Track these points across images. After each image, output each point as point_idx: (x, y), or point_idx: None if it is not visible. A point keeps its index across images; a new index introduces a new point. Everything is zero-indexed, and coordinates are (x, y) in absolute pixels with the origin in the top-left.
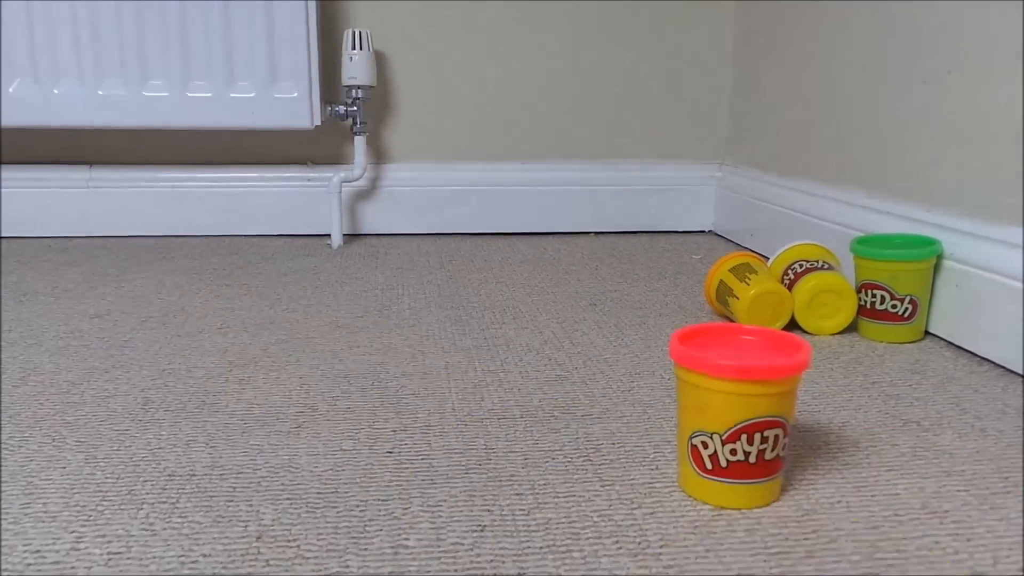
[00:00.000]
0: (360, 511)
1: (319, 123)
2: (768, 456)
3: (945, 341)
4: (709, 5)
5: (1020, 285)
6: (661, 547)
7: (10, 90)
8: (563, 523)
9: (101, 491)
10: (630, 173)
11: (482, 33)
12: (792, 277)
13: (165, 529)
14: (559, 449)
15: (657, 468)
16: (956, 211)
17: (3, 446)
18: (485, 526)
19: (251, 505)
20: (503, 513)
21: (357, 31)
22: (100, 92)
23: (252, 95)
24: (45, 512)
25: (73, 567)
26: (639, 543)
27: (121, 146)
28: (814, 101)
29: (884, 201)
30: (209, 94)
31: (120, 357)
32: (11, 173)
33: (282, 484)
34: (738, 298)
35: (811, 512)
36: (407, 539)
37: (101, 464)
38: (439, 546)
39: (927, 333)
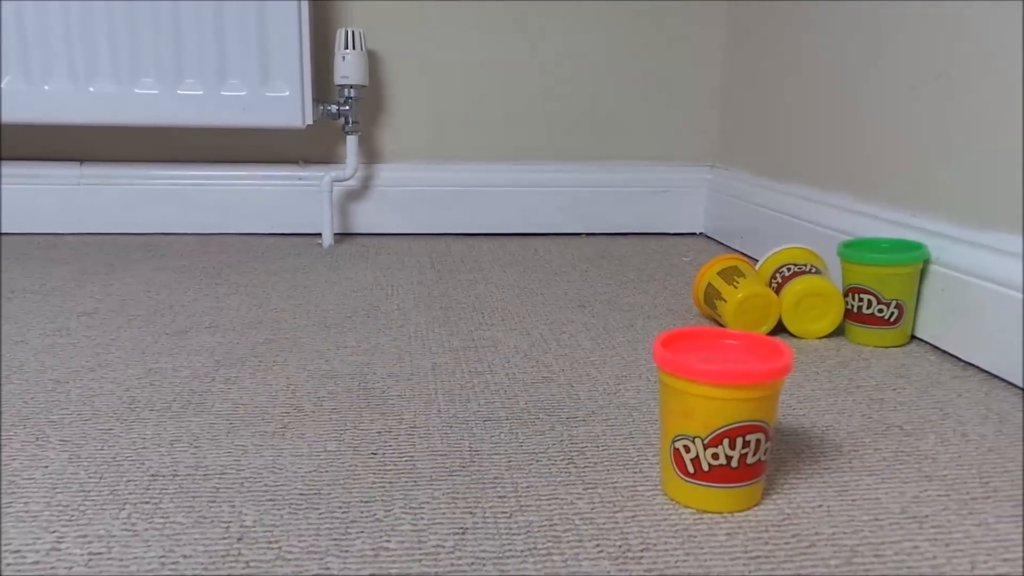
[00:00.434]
0: (342, 513)
1: (311, 122)
2: (750, 460)
3: (930, 345)
4: (701, 8)
5: (1005, 290)
6: (642, 551)
7: (1, 86)
8: (545, 526)
9: (84, 491)
10: (621, 175)
11: (475, 34)
12: (780, 281)
13: (147, 530)
14: (543, 451)
15: (640, 471)
16: (943, 216)
17: None
18: (467, 529)
19: (233, 506)
20: (485, 516)
21: (350, 30)
22: (91, 89)
23: (243, 93)
24: (26, 512)
25: (53, 567)
26: (620, 547)
27: (112, 143)
28: (805, 105)
29: (872, 205)
30: (200, 92)
31: (106, 356)
32: (2, 169)
33: (265, 485)
34: (726, 301)
35: (792, 516)
36: (388, 541)
37: (84, 463)
38: (420, 548)
39: (913, 337)
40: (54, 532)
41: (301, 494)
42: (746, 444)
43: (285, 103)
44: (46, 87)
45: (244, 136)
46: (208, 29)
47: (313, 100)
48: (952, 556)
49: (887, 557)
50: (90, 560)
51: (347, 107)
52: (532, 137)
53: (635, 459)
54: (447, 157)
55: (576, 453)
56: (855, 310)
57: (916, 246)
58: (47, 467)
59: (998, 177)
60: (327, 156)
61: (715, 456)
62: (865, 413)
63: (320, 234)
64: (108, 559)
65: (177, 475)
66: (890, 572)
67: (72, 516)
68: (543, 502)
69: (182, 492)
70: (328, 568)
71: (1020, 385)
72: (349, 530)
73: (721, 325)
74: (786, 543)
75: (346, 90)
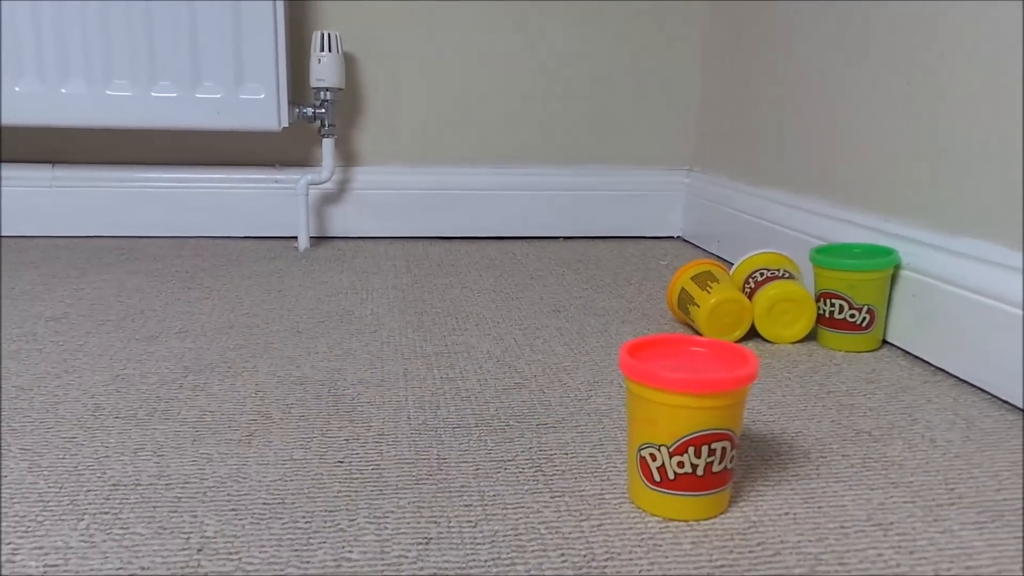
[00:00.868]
0: (306, 523)
1: (286, 125)
2: (716, 468)
3: (902, 351)
4: (680, 13)
5: (974, 296)
6: (606, 560)
7: None
8: (510, 535)
9: (43, 501)
10: (600, 178)
11: (453, 37)
12: (753, 286)
13: (105, 541)
14: (511, 459)
15: (608, 479)
16: (914, 221)
17: None
18: (431, 538)
19: (195, 516)
20: (450, 525)
21: (326, 33)
22: (63, 91)
23: (218, 96)
24: None
25: None
26: (584, 556)
27: (85, 145)
28: (781, 110)
29: (846, 211)
30: (174, 94)
31: (73, 362)
32: None
33: (228, 495)
34: (699, 306)
35: (757, 524)
36: (351, 552)
37: (44, 473)
38: (383, 559)
39: (885, 342)
40: (10, 544)
41: (265, 503)
42: (712, 452)
43: (260, 105)
44: (17, 88)
45: (219, 139)
46: (182, 30)
47: (289, 103)
48: (916, 564)
49: (851, 565)
50: (45, 572)
51: (323, 110)
52: (510, 141)
53: (603, 466)
54: (424, 160)
55: (544, 461)
56: (827, 315)
57: (887, 252)
58: (6, 476)
59: (969, 183)
60: (303, 159)
61: (681, 464)
62: (834, 419)
63: (296, 237)
64: (64, 571)
65: (139, 484)
66: None
67: (29, 527)
68: (509, 511)
69: (143, 502)
70: None
71: (988, 391)
72: (311, 540)
73: (695, 330)
74: (751, 551)
75: (322, 93)
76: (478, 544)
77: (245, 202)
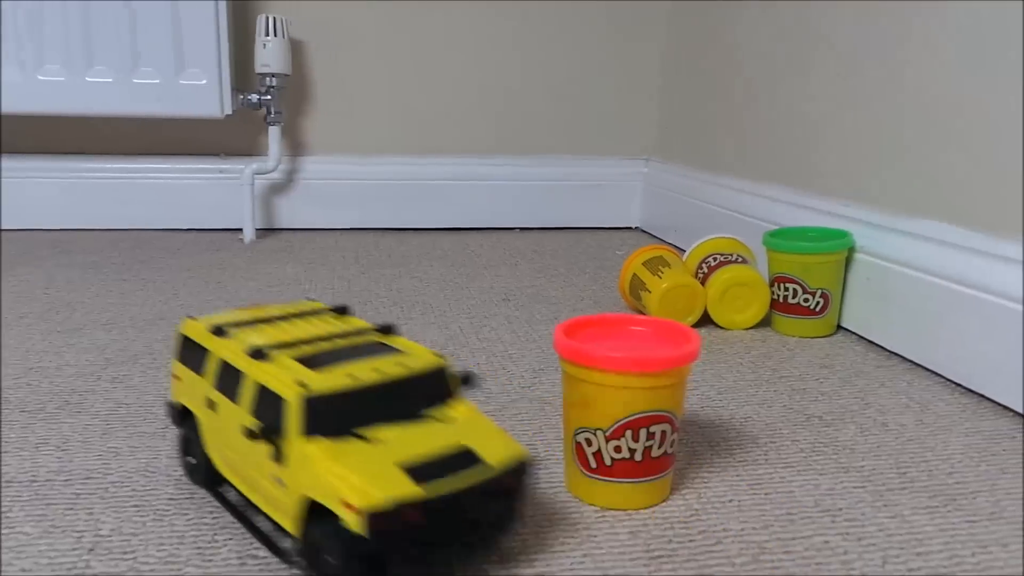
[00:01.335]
0: (213, 519)
1: (230, 112)
2: (655, 453)
3: (856, 335)
4: (641, 4)
5: (926, 277)
6: (536, 553)
7: None
8: None
9: None
10: (558, 168)
11: (405, 24)
12: (706, 271)
13: None
14: None
15: (546, 468)
16: (869, 204)
17: None
18: None
19: (91, 514)
20: None
21: (271, 17)
22: None
23: (157, 81)
24: None
25: None
26: (514, 548)
27: (18, 134)
28: (738, 97)
29: (803, 195)
30: (110, 79)
31: None
32: None
33: (133, 490)
34: (650, 292)
35: (700, 512)
36: (258, 549)
37: None
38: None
39: (840, 327)
40: None
41: (171, 499)
42: (650, 436)
43: (202, 92)
44: None
45: (161, 127)
46: (119, 13)
47: (233, 89)
48: (864, 551)
49: (796, 553)
50: None
51: (268, 97)
52: (465, 131)
53: (542, 454)
54: (376, 150)
55: None
56: (781, 300)
57: (841, 234)
58: None
59: (921, 163)
60: (249, 148)
61: (618, 449)
62: (786, 404)
63: (242, 229)
64: None
65: (35, 481)
66: (798, 569)
67: None
68: None
69: (37, 499)
70: None
71: (942, 375)
72: (217, 537)
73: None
74: (691, 540)
75: (267, 79)
76: None
77: (189, 193)
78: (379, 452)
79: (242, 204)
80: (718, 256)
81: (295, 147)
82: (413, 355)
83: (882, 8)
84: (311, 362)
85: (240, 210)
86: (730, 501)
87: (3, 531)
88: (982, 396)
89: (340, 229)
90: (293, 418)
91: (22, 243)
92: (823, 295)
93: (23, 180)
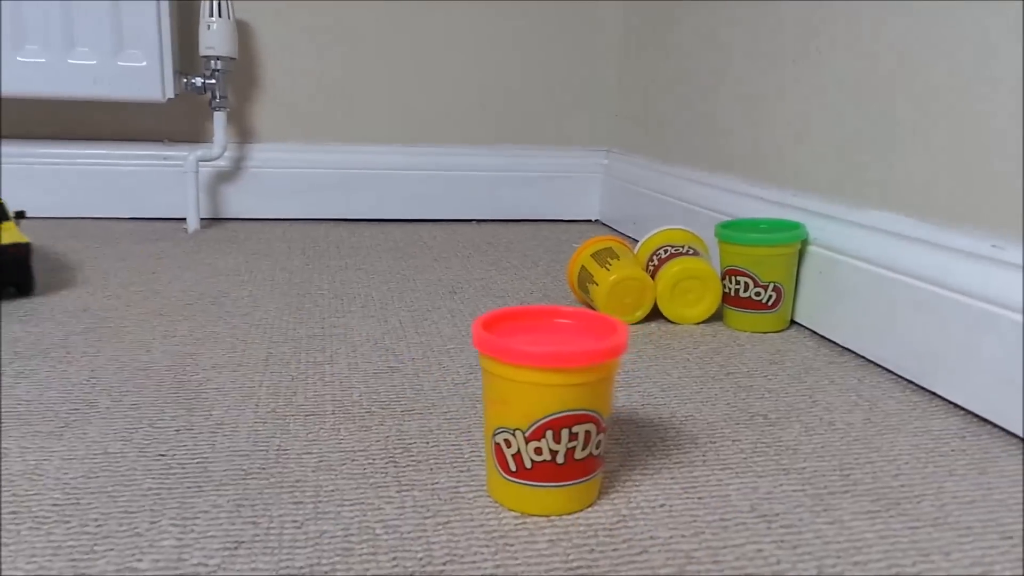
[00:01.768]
0: (97, 526)
1: (172, 96)
2: (579, 455)
3: (810, 331)
4: None
5: (879, 270)
6: (444, 564)
7: None
8: (337, 536)
9: None
10: (516, 159)
11: (358, 8)
12: (656, 263)
13: None
14: (363, 449)
15: (469, 470)
16: (822, 195)
17: None
18: (242, 542)
19: None
20: (271, 526)
21: None
22: None
23: (93, 62)
24: None
25: None
26: (420, 559)
27: None
28: (694, 86)
29: (757, 186)
30: (43, 60)
31: None
32: None
33: (13, 495)
34: (598, 285)
35: (628, 518)
36: (140, 560)
37: None
38: (177, 568)
39: (793, 322)
40: None
41: (55, 505)
42: (573, 437)
43: (142, 74)
44: None
45: (101, 111)
46: None
47: (176, 72)
48: (798, 560)
49: (726, 563)
50: None
51: (213, 80)
52: (420, 118)
53: (467, 456)
54: (328, 138)
55: (401, 450)
56: (732, 293)
57: (794, 226)
58: None
59: (875, 153)
60: (195, 135)
61: (538, 451)
62: (730, 402)
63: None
64: None
65: None
66: None
67: None
68: (345, 508)
69: None
70: None
71: (894, 372)
72: (97, 547)
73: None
74: (615, 549)
75: (212, 62)
76: (297, 548)
77: (131, 180)
78: None
79: (185, 192)
80: (669, 248)
81: (243, 134)
82: None
83: None
84: None
85: (184, 199)
86: (661, 506)
87: None
88: (934, 394)
89: (290, 219)
90: None
91: None
92: (775, 289)
93: None
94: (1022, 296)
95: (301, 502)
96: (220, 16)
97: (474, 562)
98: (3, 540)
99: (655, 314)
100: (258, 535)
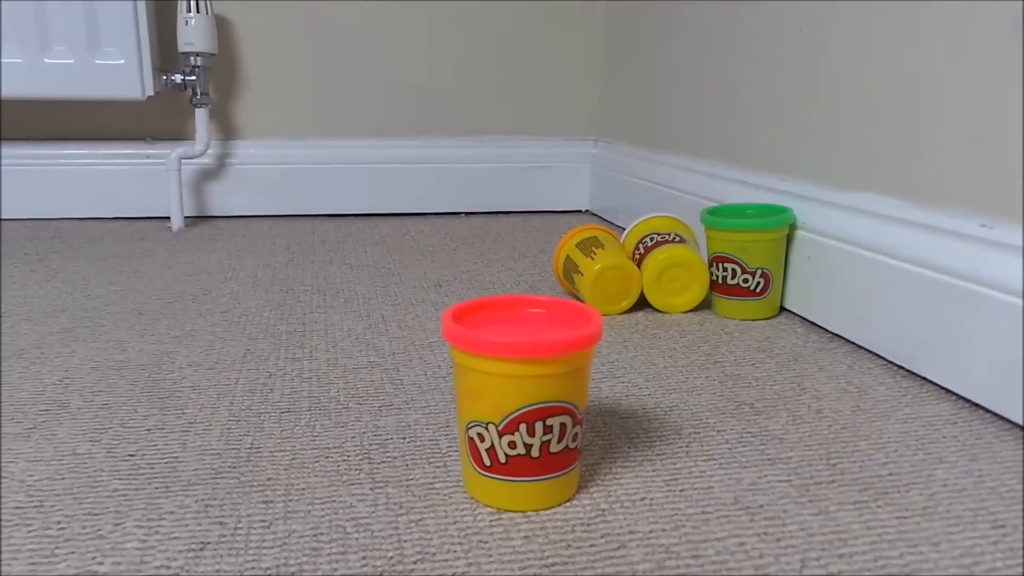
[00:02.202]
0: (59, 529)
1: (152, 93)
2: (554, 449)
3: (799, 317)
4: None
5: (867, 253)
6: (415, 562)
7: None
8: (307, 536)
9: None
10: (504, 150)
11: (340, 1)
12: (642, 252)
13: None
14: (338, 446)
15: (445, 466)
16: (809, 178)
17: None
18: (207, 544)
19: None
20: (238, 526)
21: None
22: None
23: (71, 61)
24: None
25: None
26: (390, 558)
27: None
28: (677, 72)
29: (743, 171)
30: (19, 60)
31: None
32: None
33: None
34: (583, 275)
35: (606, 512)
36: (101, 564)
37: None
38: (139, 571)
39: (782, 309)
40: None
41: (17, 508)
42: (548, 430)
43: (120, 72)
44: None
45: (82, 110)
46: None
47: (155, 69)
48: (781, 553)
49: (706, 558)
50: None
51: (194, 77)
52: (406, 111)
53: (444, 451)
54: (312, 133)
55: (377, 447)
56: (720, 281)
57: (781, 210)
58: None
59: (863, 135)
60: (178, 132)
61: (512, 445)
62: (716, 391)
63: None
64: None
65: None
66: (705, 575)
67: None
68: (316, 506)
69: None
70: None
71: (884, 357)
72: (57, 551)
73: (581, 301)
74: (592, 545)
75: (192, 58)
76: (265, 548)
77: (114, 180)
78: None
79: (168, 190)
80: (655, 236)
81: (226, 131)
82: None
83: None
84: None
85: (167, 197)
86: (642, 499)
87: None
88: (925, 379)
89: (275, 216)
90: None
91: None
92: (763, 275)
93: None
94: (1022, 277)
95: (271, 501)
96: (198, 12)
97: (446, 560)
98: None
99: (642, 303)
100: (224, 536)
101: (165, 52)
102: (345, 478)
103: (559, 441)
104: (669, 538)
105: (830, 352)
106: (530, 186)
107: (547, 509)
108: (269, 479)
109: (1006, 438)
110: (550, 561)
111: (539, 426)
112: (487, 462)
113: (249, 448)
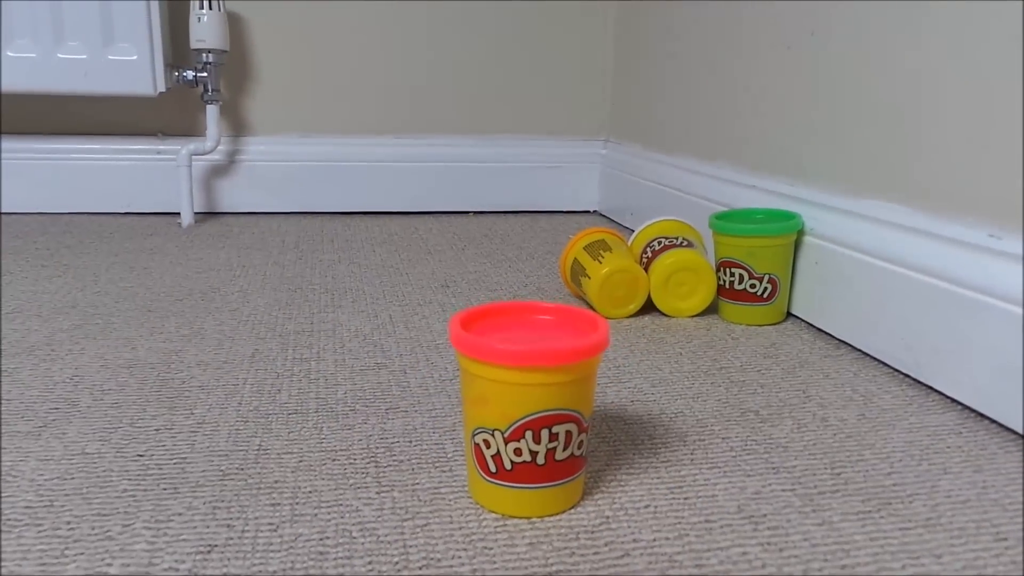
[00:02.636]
0: (69, 529)
1: (163, 89)
2: (560, 456)
3: (806, 323)
4: None
5: (875, 261)
6: (420, 567)
7: None
8: (313, 540)
9: None
10: (513, 149)
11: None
12: (649, 255)
13: None
14: (345, 449)
15: (451, 470)
16: (819, 184)
17: None
18: (215, 546)
19: None
20: (246, 528)
21: None
22: None
23: (84, 56)
24: None
25: None
26: (396, 563)
27: None
28: (690, 74)
29: (753, 176)
30: (33, 55)
31: None
32: None
33: None
34: (590, 278)
35: (611, 520)
36: (109, 565)
37: None
38: (147, 572)
39: (789, 315)
40: None
41: (26, 507)
42: (553, 437)
43: (133, 68)
44: None
45: (94, 105)
46: None
47: (167, 65)
48: (784, 563)
49: (708, 567)
50: None
51: (205, 73)
52: (416, 109)
53: (450, 455)
54: (323, 130)
55: (383, 450)
56: (727, 286)
57: (789, 216)
58: None
59: (873, 142)
60: (189, 128)
61: (518, 452)
62: (721, 397)
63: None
64: None
65: None
66: None
67: None
68: (322, 510)
69: None
70: None
71: (890, 365)
72: (67, 552)
73: (588, 304)
74: (596, 553)
75: (204, 55)
76: (271, 552)
77: (125, 175)
78: None
79: (179, 186)
80: (663, 240)
81: (237, 127)
82: None
83: None
84: None
85: (178, 193)
86: (646, 507)
87: None
88: (931, 388)
89: (285, 213)
90: None
91: None
92: (771, 280)
93: None
94: (1022, 287)
95: (278, 504)
96: (211, 8)
97: (451, 566)
98: None
99: (649, 307)
100: (232, 538)
101: (177, 48)
102: (351, 481)
103: (565, 448)
104: (672, 547)
105: (836, 359)
106: (539, 186)
107: (552, 516)
108: (276, 482)
109: (1011, 449)
110: (554, 568)
111: (545, 433)
112: (493, 468)
113: (257, 450)
